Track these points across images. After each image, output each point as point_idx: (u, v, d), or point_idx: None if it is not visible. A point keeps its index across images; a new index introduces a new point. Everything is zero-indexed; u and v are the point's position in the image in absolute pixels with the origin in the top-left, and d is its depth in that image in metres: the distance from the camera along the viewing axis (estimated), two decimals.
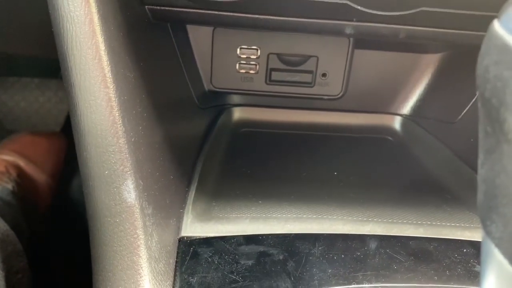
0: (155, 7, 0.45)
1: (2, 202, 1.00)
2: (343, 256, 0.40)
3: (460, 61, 0.63)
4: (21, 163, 1.23)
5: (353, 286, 0.37)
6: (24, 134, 1.27)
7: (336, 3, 0.41)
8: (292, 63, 0.63)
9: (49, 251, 1.02)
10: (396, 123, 0.70)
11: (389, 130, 0.69)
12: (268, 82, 0.64)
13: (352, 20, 0.44)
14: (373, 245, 0.41)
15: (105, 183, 0.37)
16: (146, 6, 0.45)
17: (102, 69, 0.35)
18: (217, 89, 0.64)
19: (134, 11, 0.44)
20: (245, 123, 0.68)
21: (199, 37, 0.61)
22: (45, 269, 0.87)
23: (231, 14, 0.44)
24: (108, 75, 0.35)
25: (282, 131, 0.68)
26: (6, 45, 0.88)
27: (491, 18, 0.22)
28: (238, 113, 0.68)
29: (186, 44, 0.60)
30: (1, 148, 1.23)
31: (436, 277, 0.38)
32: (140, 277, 0.36)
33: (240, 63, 0.63)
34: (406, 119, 0.70)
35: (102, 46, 0.35)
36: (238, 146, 0.62)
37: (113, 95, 0.35)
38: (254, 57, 0.62)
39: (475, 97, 0.61)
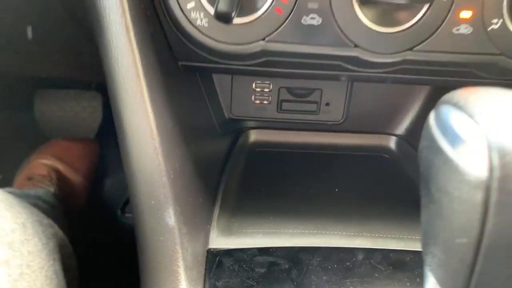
0: (186, 63, 0.56)
1: (48, 205, 1.12)
2: (335, 266, 0.51)
3: (447, 90, 0.73)
4: (60, 166, 1.36)
5: None
6: (61, 140, 1.39)
7: (332, 64, 0.51)
8: (300, 95, 0.74)
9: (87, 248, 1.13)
10: (392, 142, 0.80)
11: (386, 149, 0.79)
12: (279, 110, 0.75)
13: (346, 71, 0.54)
14: (360, 256, 0.52)
15: (152, 210, 0.48)
16: (179, 62, 0.56)
17: (149, 123, 0.46)
18: (236, 117, 0.75)
19: (169, 64, 0.54)
20: (259, 144, 0.79)
21: (221, 77, 0.72)
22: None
23: (251, 68, 0.54)
24: (154, 128, 0.47)
25: (292, 151, 0.78)
26: (55, 70, 1.00)
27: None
28: (253, 136, 0.79)
29: (210, 83, 0.71)
30: (41, 153, 1.36)
31: (408, 283, 0.49)
32: (179, 282, 0.48)
33: (255, 95, 0.74)
34: (400, 139, 0.80)
35: (146, 94, 0.45)
36: (253, 165, 0.73)
37: (158, 145, 0.47)
38: (267, 90, 0.73)
39: None
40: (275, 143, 0.79)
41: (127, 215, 1.37)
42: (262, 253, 0.53)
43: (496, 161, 0.27)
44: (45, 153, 1.39)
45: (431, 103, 0.76)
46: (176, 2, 0.45)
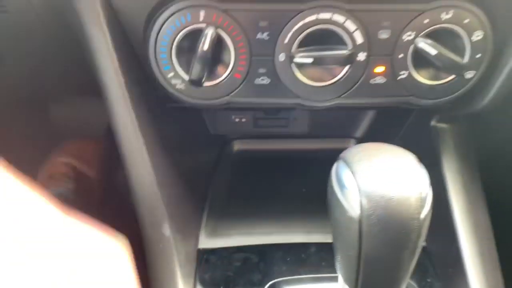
0: (171, 105, 0.71)
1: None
2: (294, 257, 0.68)
3: None
4: (76, 164, 1.53)
5: (295, 276, 0.65)
6: (75, 140, 1.56)
7: (293, 102, 0.65)
8: (271, 112, 0.89)
9: None
10: (351, 144, 0.95)
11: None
12: (255, 126, 0.91)
13: (297, 107, 0.69)
14: (312, 249, 0.69)
15: (152, 225, 0.65)
16: (166, 104, 0.72)
17: (146, 164, 0.63)
18: (220, 133, 0.91)
19: (159, 103, 0.70)
20: (241, 151, 0.95)
21: None
22: None
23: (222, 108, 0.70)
24: (150, 166, 0.63)
25: (268, 154, 0.95)
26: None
27: None
28: (236, 145, 0.96)
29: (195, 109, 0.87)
30: (59, 152, 1.53)
31: None
32: (176, 277, 0.65)
33: (234, 115, 0.90)
34: (358, 141, 0.95)
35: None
36: (236, 171, 0.90)
37: (154, 179, 0.63)
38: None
39: (405, 125, 0.86)
40: (254, 150, 0.95)
41: None
42: (239, 251, 0.70)
43: (364, 203, 0.43)
44: (62, 152, 1.56)
45: (382, 111, 0.91)
46: (160, 73, 0.60)
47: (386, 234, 0.42)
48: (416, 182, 0.43)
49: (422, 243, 0.45)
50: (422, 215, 0.42)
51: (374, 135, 0.93)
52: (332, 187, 0.47)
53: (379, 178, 0.42)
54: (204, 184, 0.84)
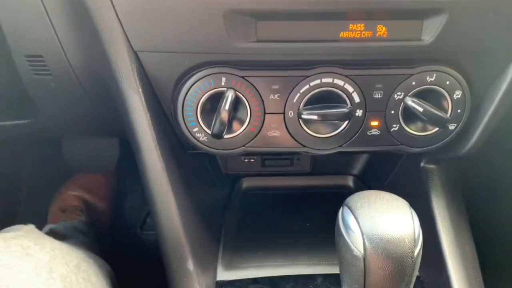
0: (192, 151, 0.80)
1: (83, 234, 1.36)
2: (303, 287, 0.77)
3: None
4: (87, 196, 1.60)
5: None
6: (86, 174, 1.64)
7: (300, 150, 0.74)
8: (277, 153, 0.99)
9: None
10: (350, 181, 1.05)
11: (345, 186, 1.04)
12: (262, 166, 1.00)
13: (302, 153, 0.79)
14: (319, 280, 0.78)
15: (176, 261, 0.74)
16: (187, 151, 0.81)
17: (170, 202, 0.71)
18: (231, 173, 1.01)
19: (181, 151, 0.79)
20: (250, 188, 1.04)
21: None
22: None
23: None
24: (174, 206, 0.72)
25: (274, 190, 1.04)
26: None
27: None
28: (245, 182, 1.05)
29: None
30: (70, 186, 1.61)
31: None
32: None
33: (244, 156, 0.99)
34: (356, 178, 1.05)
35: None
36: (246, 207, 0.99)
37: (179, 222, 0.72)
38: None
39: (398, 165, 0.96)
40: (262, 187, 1.05)
41: (146, 232, 1.62)
42: (253, 282, 0.78)
43: (367, 244, 0.51)
44: (73, 185, 1.63)
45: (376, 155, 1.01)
46: (186, 128, 0.70)
47: (385, 270, 0.51)
48: (409, 225, 0.52)
49: (416, 274, 0.54)
50: (415, 253, 0.51)
51: (369, 173, 1.03)
52: (339, 230, 0.56)
53: (378, 223, 0.52)
54: (218, 220, 0.93)
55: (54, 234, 1.23)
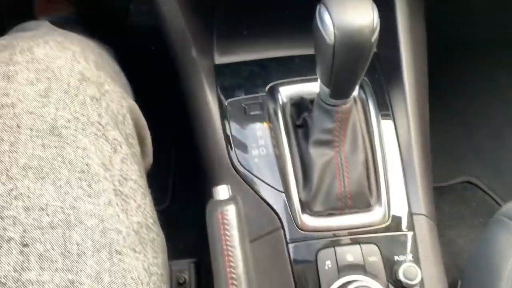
0: None
1: (80, 26, 1.43)
2: (286, 66, 0.95)
3: None
4: None
5: (288, 79, 0.93)
6: None
7: None
8: None
9: None
10: None
11: None
12: None
13: None
14: (297, 60, 0.96)
15: (182, 50, 0.90)
16: None
17: None
18: None
19: None
20: None
21: None
22: None
23: None
24: None
25: None
26: None
27: None
28: None
29: None
30: None
31: None
32: (203, 84, 0.92)
33: None
34: None
35: None
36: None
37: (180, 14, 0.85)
38: None
39: None
40: None
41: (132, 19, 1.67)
42: (245, 64, 0.97)
43: (337, 34, 0.68)
44: None
45: None
46: None
47: (350, 51, 0.68)
48: (369, 18, 0.67)
49: (373, 52, 0.71)
50: (373, 39, 0.68)
51: None
52: (316, 23, 0.71)
53: (346, 17, 0.67)
54: (209, 13, 1.05)
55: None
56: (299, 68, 0.96)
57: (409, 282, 0.75)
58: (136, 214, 0.59)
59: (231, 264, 0.61)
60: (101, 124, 0.59)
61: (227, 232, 0.63)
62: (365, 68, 0.72)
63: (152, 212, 0.66)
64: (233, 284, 0.60)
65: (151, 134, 0.83)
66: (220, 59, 0.98)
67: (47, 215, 0.48)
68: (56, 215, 0.49)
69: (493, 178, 1.75)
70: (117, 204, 0.56)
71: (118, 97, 0.68)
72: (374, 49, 0.71)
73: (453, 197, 1.72)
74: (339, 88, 0.76)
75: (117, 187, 0.57)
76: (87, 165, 0.54)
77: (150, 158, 0.82)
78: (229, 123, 0.91)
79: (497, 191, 1.71)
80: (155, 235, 0.64)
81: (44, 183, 0.50)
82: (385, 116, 0.91)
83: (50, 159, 0.52)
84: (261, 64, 0.97)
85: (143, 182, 0.65)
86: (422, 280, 0.76)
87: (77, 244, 0.49)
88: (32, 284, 0.45)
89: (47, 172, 0.51)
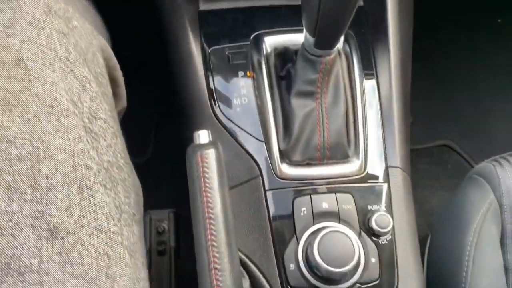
0: None
1: None
2: (271, 16, 0.94)
3: None
4: None
5: (273, 29, 0.92)
6: None
7: None
8: None
9: None
10: None
11: None
12: None
13: None
14: (283, 9, 0.95)
15: None
16: None
17: None
18: None
19: None
20: None
21: None
22: None
23: None
24: None
25: None
26: None
27: None
28: None
29: None
30: None
31: None
32: (187, 30, 0.91)
33: None
34: None
35: None
36: None
37: None
38: None
39: None
40: None
41: None
42: (230, 11, 0.95)
43: None
44: None
45: None
46: None
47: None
48: None
49: (358, 5, 0.71)
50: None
51: None
52: None
53: None
54: None
55: None
56: (285, 18, 0.95)
57: (380, 230, 0.77)
58: (107, 153, 0.59)
59: (209, 205, 0.62)
60: (69, 60, 0.58)
61: (206, 175, 0.64)
62: (351, 17, 0.71)
63: (123, 153, 0.66)
64: (210, 223, 0.61)
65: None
66: (205, 5, 0.96)
67: (16, 147, 0.47)
68: (24, 148, 0.48)
69: (470, 142, 1.79)
70: (87, 141, 0.55)
71: (87, 34, 0.66)
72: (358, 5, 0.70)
73: (430, 159, 1.76)
74: (324, 38, 0.75)
75: (87, 124, 0.56)
76: (55, 99, 0.53)
77: (124, 100, 0.81)
78: (211, 71, 0.91)
79: (473, 155, 1.75)
80: (127, 176, 0.64)
81: (11, 115, 0.49)
82: (368, 70, 0.92)
83: (17, 91, 0.50)
84: (247, 12, 0.95)
85: (113, 122, 0.64)
86: (393, 228, 0.79)
87: (47, 177, 0.48)
88: (1, 215, 0.45)
89: (14, 104, 0.49)
